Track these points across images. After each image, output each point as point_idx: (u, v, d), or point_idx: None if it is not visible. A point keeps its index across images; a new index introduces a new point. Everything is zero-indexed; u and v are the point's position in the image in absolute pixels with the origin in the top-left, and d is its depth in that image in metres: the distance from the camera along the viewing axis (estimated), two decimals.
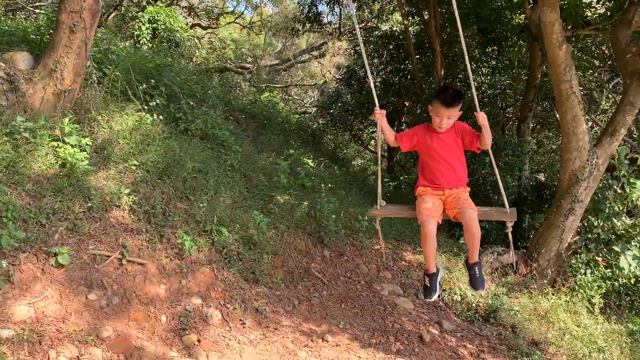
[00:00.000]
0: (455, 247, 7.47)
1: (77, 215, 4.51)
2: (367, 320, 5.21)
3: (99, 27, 6.75)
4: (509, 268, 7.27)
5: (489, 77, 12.50)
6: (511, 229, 3.88)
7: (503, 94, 12.00)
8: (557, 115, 7.98)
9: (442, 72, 10.77)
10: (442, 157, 3.74)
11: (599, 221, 7.12)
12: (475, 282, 3.86)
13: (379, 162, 3.91)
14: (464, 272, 6.67)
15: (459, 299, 6.18)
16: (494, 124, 10.79)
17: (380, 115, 3.63)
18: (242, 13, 19.50)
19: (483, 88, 12.30)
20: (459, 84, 11.47)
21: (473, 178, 9.15)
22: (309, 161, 8.88)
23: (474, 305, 6.11)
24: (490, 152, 3.55)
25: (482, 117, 3.50)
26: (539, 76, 10.11)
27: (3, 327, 3.39)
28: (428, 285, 3.86)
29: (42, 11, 11.87)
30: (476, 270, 3.83)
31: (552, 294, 6.67)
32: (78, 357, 3.49)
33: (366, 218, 6.81)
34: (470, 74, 3.55)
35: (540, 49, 8.73)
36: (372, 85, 3.70)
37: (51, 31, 5.83)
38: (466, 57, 3.39)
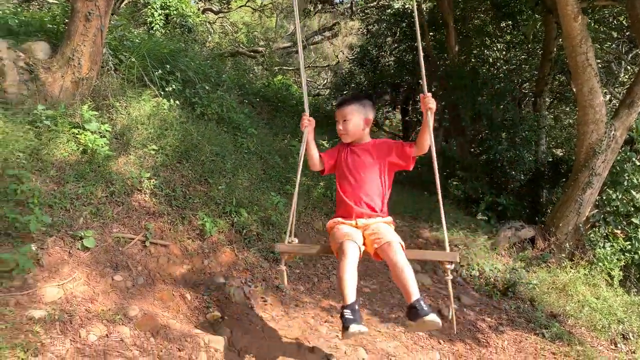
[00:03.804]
0: (473, 223, 7.48)
1: (100, 200, 4.63)
2: (385, 296, 5.29)
3: (112, 14, 6.81)
4: (527, 243, 7.27)
5: (504, 52, 12.33)
6: (451, 276, 3.08)
7: (519, 69, 11.86)
8: (574, 89, 7.88)
9: (456, 49, 10.67)
10: (354, 174, 3.28)
11: (618, 194, 7.07)
12: (418, 315, 2.78)
13: (297, 188, 3.33)
14: (481, 248, 6.70)
15: (477, 275, 6.23)
16: (510, 100, 10.69)
17: (309, 123, 3.29)
18: None
19: (498, 64, 12.14)
20: (472, 60, 11.34)
21: (489, 154, 9.12)
22: (324, 142, 8.91)
23: (492, 280, 6.15)
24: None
25: (430, 100, 3.03)
26: (555, 49, 9.97)
27: (36, 308, 3.52)
28: (351, 317, 2.85)
29: (55, 1, 11.95)
30: (420, 305, 2.81)
31: (571, 268, 6.67)
32: (107, 335, 3.61)
33: None
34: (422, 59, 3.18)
35: (556, 21, 8.59)
36: (304, 84, 3.31)
37: (67, 20, 5.91)
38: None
